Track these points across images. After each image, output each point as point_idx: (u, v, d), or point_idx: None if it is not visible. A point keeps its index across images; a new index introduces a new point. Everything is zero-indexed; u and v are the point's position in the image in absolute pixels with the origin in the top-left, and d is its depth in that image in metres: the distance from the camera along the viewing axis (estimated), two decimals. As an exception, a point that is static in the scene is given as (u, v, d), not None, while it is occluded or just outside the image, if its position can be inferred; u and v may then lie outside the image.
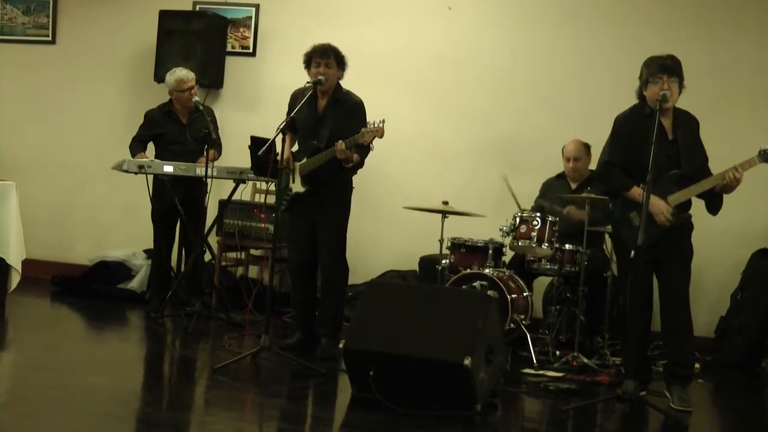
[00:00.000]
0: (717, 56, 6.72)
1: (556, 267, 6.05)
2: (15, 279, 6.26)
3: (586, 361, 5.70)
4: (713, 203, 5.00)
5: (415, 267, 6.89)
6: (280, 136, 5.42)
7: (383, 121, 5.29)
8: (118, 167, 6.49)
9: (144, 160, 6.51)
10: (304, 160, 5.65)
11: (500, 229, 6.10)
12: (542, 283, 6.65)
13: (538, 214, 6.02)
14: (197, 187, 6.47)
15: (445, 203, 6.15)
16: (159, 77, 7.21)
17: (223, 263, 7.20)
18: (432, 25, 7.32)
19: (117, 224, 7.85)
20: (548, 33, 7.10)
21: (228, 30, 7.66)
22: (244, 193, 6.96)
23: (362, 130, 5.33)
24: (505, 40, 7.20)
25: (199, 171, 6.39)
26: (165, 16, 7.51)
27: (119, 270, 7.35)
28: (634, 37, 6.75)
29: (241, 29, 7.71)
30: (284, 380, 5.13)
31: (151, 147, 6.79)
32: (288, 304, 6.43)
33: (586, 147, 6.38)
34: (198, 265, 6.55)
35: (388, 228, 7.29)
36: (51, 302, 7.17)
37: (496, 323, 4.77)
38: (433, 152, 7.26)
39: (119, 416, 4.16)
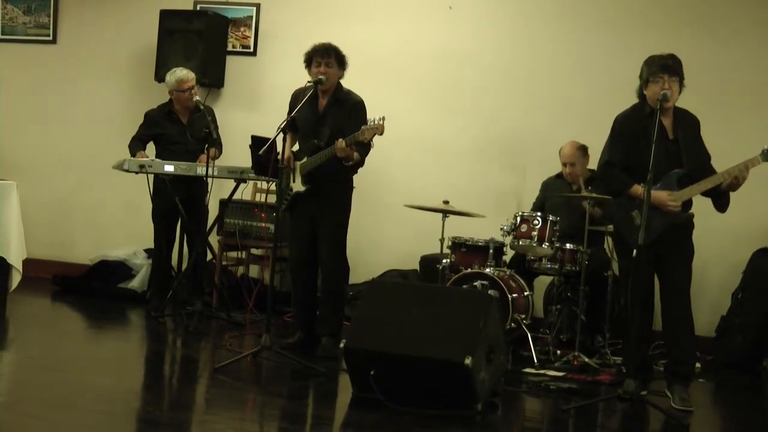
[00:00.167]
0: (718, 55, 6.72)
1: (556, 266, 6.05)
2: (16, 278, 6.26)
3: (586, 360, 5.70)
4: (720, 201, 5.00)
5: (416, 266, 6.89)
6: (281, 135, 5.42)
7: (383, 119, 5.29)
8: (119, 167, 6.50)
9: (145, 159, 6.51)
10: (305, 159, 5.65)
11: (501, 229, 6.10)
12: (543, 282, 6.65)
13: (539, 214, 6.02)
14: (198, 186, 6.47)
15: (446, 202, 6.15)
16: (160, 77, 7.21)
17: (224, 263, 7.20)
18: (433, 24, 7.32)
19: (118, 224, 7.85)
20: (549, 32, 7.10)
21: (229, 29, 7.66)
22: (244, 192, 6.96)
23: (362, 127, 5.33)
24: (506, 40, 7.20)
25: (200, 170, 6.39)
26: (166, 15, 7.51)
27: (120, 269, 7.35)
28: (635, 36, 6.75)
29: (242, 29, 7.71)
30: (285, 380, 5.14)
31: (151, 146, 6.79)
32: (289, 303, 6.43)
33: (582, 150, 6.37)
34: (199, 265, 6.55)
35: (388, 227, 7.28)
36: (52, 302, 7.17)
37: (497, 323, 4.77)
38: (434, 152, 7.26)
39: (120, 415, 4.16)
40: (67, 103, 8.04)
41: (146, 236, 6.91)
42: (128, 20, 7.93)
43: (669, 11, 6.85)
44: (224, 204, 6.88)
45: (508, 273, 6.01)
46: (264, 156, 5.32)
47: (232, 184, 6.70)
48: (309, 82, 5.53)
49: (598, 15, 7.01)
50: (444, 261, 6.17)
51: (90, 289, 7.30)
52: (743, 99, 6.72)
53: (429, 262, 6.56)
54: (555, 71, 7.07)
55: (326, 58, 5.59)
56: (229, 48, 7.69)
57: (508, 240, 6.14)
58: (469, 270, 5.97)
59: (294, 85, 5.76)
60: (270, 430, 4.32)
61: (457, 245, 6.19)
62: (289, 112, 5.57)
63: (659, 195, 4.85)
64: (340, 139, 5.39)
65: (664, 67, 4.86)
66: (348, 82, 5.77)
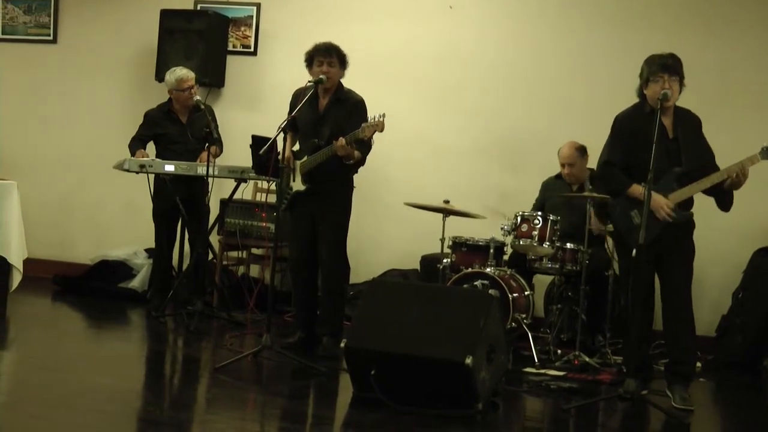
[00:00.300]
0: (719, 54, 6.72)
1: (557, 266, 6.05)
2: (16, 278, 6.26)
3: (587, 359, 5.70)
4: (724, 200, 4.99)
5: (417, 266, 6.89)
6: (281, 135, 5.42)
7: (383, 116, 5.27)
8: (120, 166, 6.49)
9: (145, 159, 6.51)
10: (305, 159, 5.65)
11: (501, 228, 6.10)
12: (544, 282, 6.65)
13: (539, 213, 6.02)
14: (198, 186, 6.47)
15: (447, 202, 6.15)
16: (160, 76, 7.21)
17: (225, 262, 7.20)
18: (433, 24, 7.31)
19: (118, 223, 7.85)
20: (550, 32, 7.09)
21: (229, 29, 7.66)
22: (245, 192, 6.96)
23: (362, 125, 5.32)
24: (507, 39, 7.20)
25: (201, 170, 6.39)
26: (166, 15, 7.51)
27: (120, 269, 7.35)
28: (636, 35, 6.74)
29: (243, 28, 7.71)
30: (285, 379, 5.14)
31: (151, 146, 6.79)
32: (289, 303, 6.42)
33: (580, 150, 6.37)
34: (199, 264, 6.55)
35: (389, 227, 7.28)
36: (52, 301, 7.17)
37: (498, 322, 4.77)
38: (435, 151, 7.26)
39: (121, 415, 4.16)
40: (68, 102, 8.04)
41: (147, 236, 6.91)
42: (129, 20, 7.92)
43: (670, 11, 6.84)
44: (225, 204, 6.88)
45: (508, 272, 6.01)
46: (264, 156, 5.32)
47: (232, 183, 6.70)
48: (309, 81, 5.53)
49: (599, 15, 7.01)
50: (444, 260, 6.17)
51: (90, 288, 7.30)
52: (745, 98, 6.72)
53: (429, 261, 6.56)
54: (556, 71, 7.07)
55: (328, 57, 5.58)
56: (230, 48, 7.69)
57: (508, 239, 6.14)
58: (470, 269, 5.97)
59: (294, 84, 5.76)
60: (271, 429, 4.32)
61: (458, 245, 6.19)
62: (290, 112, 5.57)
63: (659, 200, 4.84)
64: (340, 138, 5.38)
65: (665, 67, 4.86)
66: (348, 81, 5.77)
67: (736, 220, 5.60)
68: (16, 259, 6.21)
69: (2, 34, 8.19)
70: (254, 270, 7.47)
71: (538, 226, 5.95)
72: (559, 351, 5.87)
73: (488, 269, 5.92)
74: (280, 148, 5.52)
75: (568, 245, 6.02)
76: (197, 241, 6.53)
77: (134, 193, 7.27)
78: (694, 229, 5.04)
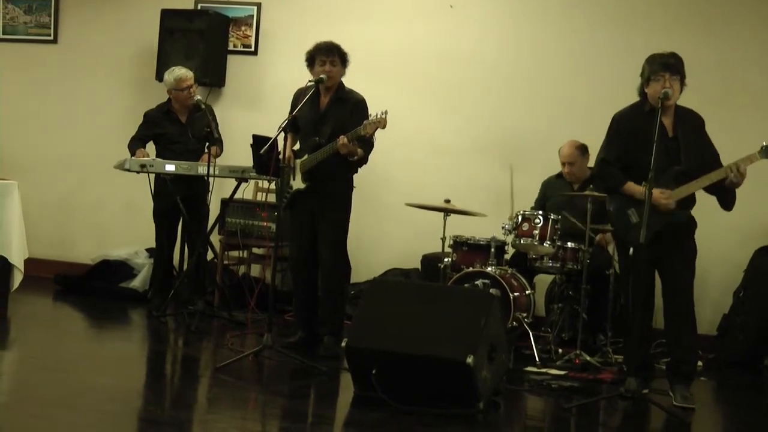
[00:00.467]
0: (721, 53, 6.71)
1: (558, 265, 6.05)
2: (17, 278, 6.26)
3: (588, 359, 5.70)
4: (725, 199, 4.97)
5: (418, 265, 6.89)
6: (282, 134, 5.41)
7: (386, 112, 5.26)
8: (120, 166, 6.49)
9: (146, 159, 6.51)
10: (305, 157, 5.64)
11: (502, 227, 6.10)
12: (545, 281, 6.64)
13: (540, 212, 6.01)
14: (199, 185, 6.48)
15: (447, 201, 6.15)
16: (161, 76, 7.19)
17: (226, 262, 7.21)
18: (434, 23, 7.31)
19: (119, 223, 7.86)
20: (552, 31, 7.09)
21: (230, 29, 7.66)
22: (246, 191, 6.95)
23: (364, 122, 5.31)
24: (509, 39, 7.20)
25: (201, 170, 6.39)
26: (167, 14, 7.51)
27: (121, 269, 7.35)
28: (637, 35, 6.74)
29: (243, 28, 7.71)
30: (286, 379, 5.14)
31: (151, 146, 6.79)
32: (290, 302, 6.42)
33: (581, 149, 6.37)
34: (200, 264, 6.55)
35: (390, 226, 7.28)
36: (53, 301, 7.18)
37: (499, 321, 4.76)
38: (436, 151, 7.26)
39: (122, 415, 4.16)
40: (69, 102, 8.04)
41: (147, 236, 6.91)
42: (129, 20, 7.93)
43: (671, 10, 6.84)
44: (225, 203, 6.88)
45: (509, 272, 6.01)
46: (265, 155, 5.32)
47: (233, 183, 6.70)
48: (310, 81, 5.52)
49: (601, 14, 7.00)
50: (445, 260, 6.17)
51: (91, 288, 7.30)
52: (745, 97, 6.72)
53: (430, 260, 6.56)
54: (557, 70, 7.07)
55: (330, 56, 5.57)
56: (230, 47, 7.69)
57: (509, 239, 6.14)
58: (471, 269, 5.97)
59: (295, 84, 5.76)
60: (271, 429, 4.32)
61: (459, 244, 6.19)
62: (291, 112, 5.56)
63: (655, 194, 4.83)
64: (342, 136, 5.37)
65: (666, 66, 4.86)
66: (349, 81, 5.76)
67: (737, 219, 5.60)
68: (17, 258, 6.21)
69: (3, 34, 8.19)
70: (255, 270, 7.48)
71: (539, 225, 5.95)
72: (560, 350, 5.87)
73: (489, 268, 5.92)
74: (280, 147, 5.52)
75: (569, 244, 6.02)
76: (198, 241, 6.53)
77: (135, 192, 7.27)
78: (695, 230, 5.03)
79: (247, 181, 6.72)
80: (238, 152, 6.79)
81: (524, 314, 5.89)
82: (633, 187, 4.91)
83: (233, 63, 7.68)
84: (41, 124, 8.08)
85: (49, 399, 4.27)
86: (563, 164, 6.40)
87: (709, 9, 6.81)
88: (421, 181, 7.16)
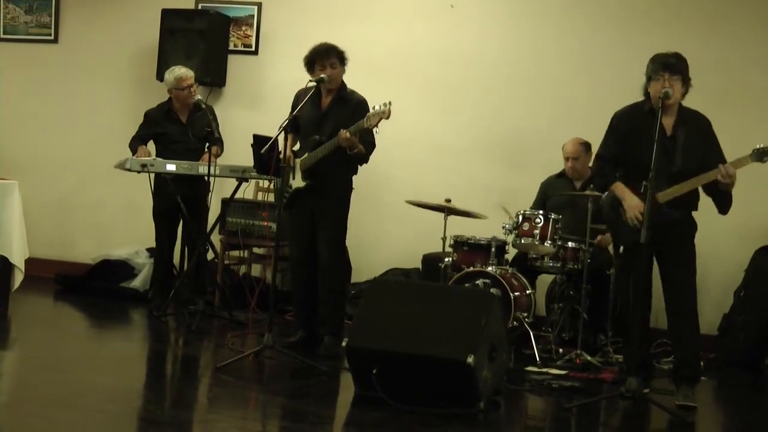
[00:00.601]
0: (723, 53, 6.71)
1: (558, 264, 6.05)
2: (18, 278, 6.26)
3: (589, 358, 5.70)
4: (722, 202, 4.95)
5: (418, 265, 6.89)
6: (283, 134, 5.41)
7: (389, 103, 5.24)
8: (121, 166, 6.49)
9: (147, 158, 6.51)
10: (306, 155, 5.64)
11: (503, 227, 6.10)
12: (545, 280, 6.64)
13: (541, 212, 6.01)
14: (199, 185, 6.48)
15: (448, 201, 6.15)
16: (161, 76, 7.20)
17: (226, 262, 7.21)
18: (434, 23, 7.31)
19: (119, 223, 7.86)
20: (552, 31, 7.09)
21: (230, 28, 7.66)
22: (246, 191, 6.96)
23: (368, 113, 5.29)
24: (509, 39, 7.19)
25: (202, 169, 6.39)
26: (167, 14, 7.51)
27: (122, 268, 7.35)
28: (639, 35, 6.74)
29: (244, 27, 7.71)
30: (287, 378, 5.14)
31: (151, 145, 6.79)
32: (291, 302, 6.42)
33: (585, 146, 6.37)
34: (201, 264, 6.55)
35: (391, 226, 7.28)
36: (54, 301, 7.18)
37: (499, 321, 4.76)
38: (436, 151, 7.25)
39: (122, 415, 4.16)
40: (69, 102, 8.04)
41: (148, 235, 6.91)
42: (130, 19, 7.93)
43: (673, 10, 6.83)
44: (226, 203, 6.88)
45: (510, 271, 6.01)
46: (266, 155, 5.32)
47: (233, 183, 6.69)
48: (311, 80, 5.52)
49: (602, 14, 7.00)
50: (446, 259, 6.17)
51: (92, 288, 7.30)
52: (746, 97, 6.71)
53: (431, 260, 6.56)
54: (558, 70, 7.06)
55: (329, 59, 5.57)
56: (231, 47, 7.69)
57: (510, 238, 6.13)
58: (471, 268, 5.96)
59: (296, 84, 5.76)
60: (272, 428, 4.32)
61: (459, 244, 6.18)
62: (291, 113, 5.56)
63: (633, 203, 4.82)
64: (343, 130, 5.35)
65: (666, 66, 4.84)
66: (349, 81, 5.76)
67: (738, 219, 5.59)
68: (18, 258, 6.21)
69: (3, 33, 8.19)
70: (256, 269, 7.48)
71: (540, 224, 5.95)
72: (560, 350, 5.87)
73: (490, 268, 5.92)
74: (281, 147, 5.52)
75: (570, 244, 6.01)
76: (198, 241, 6.53)
77: (135, 192, 7.27)
78: (696, 231, 5.01)
79: (247, 181, 6.72)
80: (238, 152, 6.79)
81: (525, 314, 5.89)
82: (619, 187, 4.91)
83: (234, 63, 7.68)
84: (41, 124, 8.09)
85: (49, 399, 4.27)
86: (567, 159, 6.39)
87: (710, 9, 6.80)
88: (421, 181, 7.16)
